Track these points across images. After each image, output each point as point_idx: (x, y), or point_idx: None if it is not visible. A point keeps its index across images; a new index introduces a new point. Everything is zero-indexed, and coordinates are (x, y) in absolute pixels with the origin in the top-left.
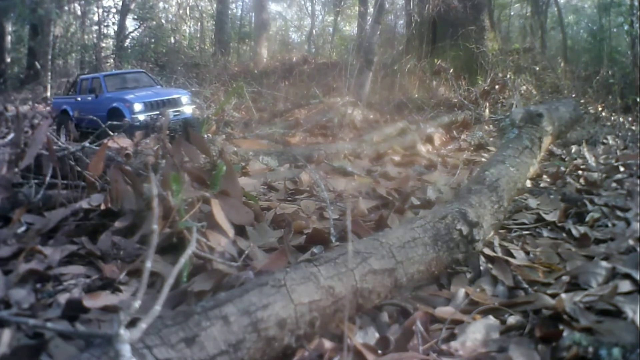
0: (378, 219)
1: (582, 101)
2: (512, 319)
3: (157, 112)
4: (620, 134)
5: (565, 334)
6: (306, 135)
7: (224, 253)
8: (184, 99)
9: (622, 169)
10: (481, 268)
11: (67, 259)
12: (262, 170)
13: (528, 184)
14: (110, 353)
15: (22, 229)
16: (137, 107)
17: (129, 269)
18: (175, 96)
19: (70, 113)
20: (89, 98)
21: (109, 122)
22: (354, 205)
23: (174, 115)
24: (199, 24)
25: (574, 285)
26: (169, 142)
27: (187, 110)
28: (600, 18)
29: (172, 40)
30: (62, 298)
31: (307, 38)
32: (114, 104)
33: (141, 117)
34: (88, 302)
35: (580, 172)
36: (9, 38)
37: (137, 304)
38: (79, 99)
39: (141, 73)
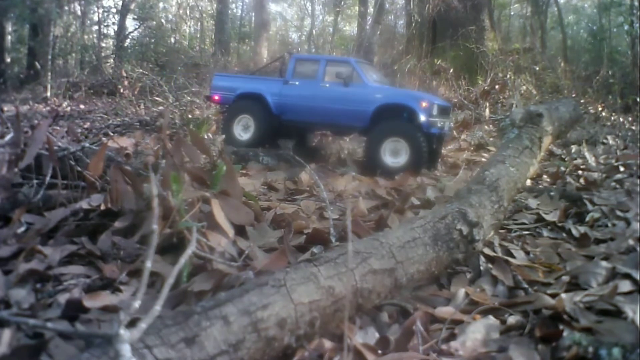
0: (378, 219)
1: (582, 101)
2: (512, 319)
3: (445, 120)
4: (620, 134)
5: (565, 334)
6: None
7: (224, 253)
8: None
9: (622, 169)
10: (481, 268)
11: (67, 259)
12: (262, 170)
13: (528, 183)
14: (110, 353)
15: (22, 229)
16: (435, 109)
17: (129, 269)
18: (448, 104)
19: (269, 100)
20: (326, 85)
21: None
22: (354, 205)
23: (448, 127)
24: (199, 24)
25: (574, 285)
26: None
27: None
28: (600, 18)
29: (172, 40)
30: (62, 298)
31: (307, 38)
32: (397, 101)
33: (439, 123)
34: (88, 302)
35: (580, 172)
36: (9, 38)
37: (137, 304)
38: (297, 83)
39: (371, 64)
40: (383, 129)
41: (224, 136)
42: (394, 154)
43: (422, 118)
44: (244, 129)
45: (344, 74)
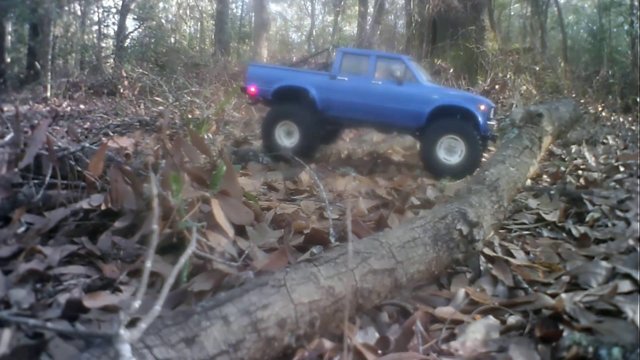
0: (378, 219)
1: (582, 101)
2: (512, 319)
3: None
4: (620, 134)
5: (565, 334)
6: None
7: (224, 253)
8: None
9: (622, 169)
10: (481, 268)
11: (67, 259)
12: (262, 170)
13: (528, 183)
14: (110, 353)
15: (22, 229)
16: (492, 113)
17: (129, 269)
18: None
19: (314, 94)
20: (379, 82)
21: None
22: (354, 205)
23: (494, 131)
24: (199, 24)
25: (574, 285)
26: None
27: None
28: (600, 18)
29: (172, 40)
30: (62, 298)
31: (307, 38)
32: (455, 103)
33: (495, 127)
34: (88, 302)
35: (580, 172)
36: (9, 38)
37: (137, 304)
38: (346, 78)
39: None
40: (440, 126)
41: (223, 136)
42: (450, 151)
43: (480, 121)
44: (286, 135)
45: (397, 72)
